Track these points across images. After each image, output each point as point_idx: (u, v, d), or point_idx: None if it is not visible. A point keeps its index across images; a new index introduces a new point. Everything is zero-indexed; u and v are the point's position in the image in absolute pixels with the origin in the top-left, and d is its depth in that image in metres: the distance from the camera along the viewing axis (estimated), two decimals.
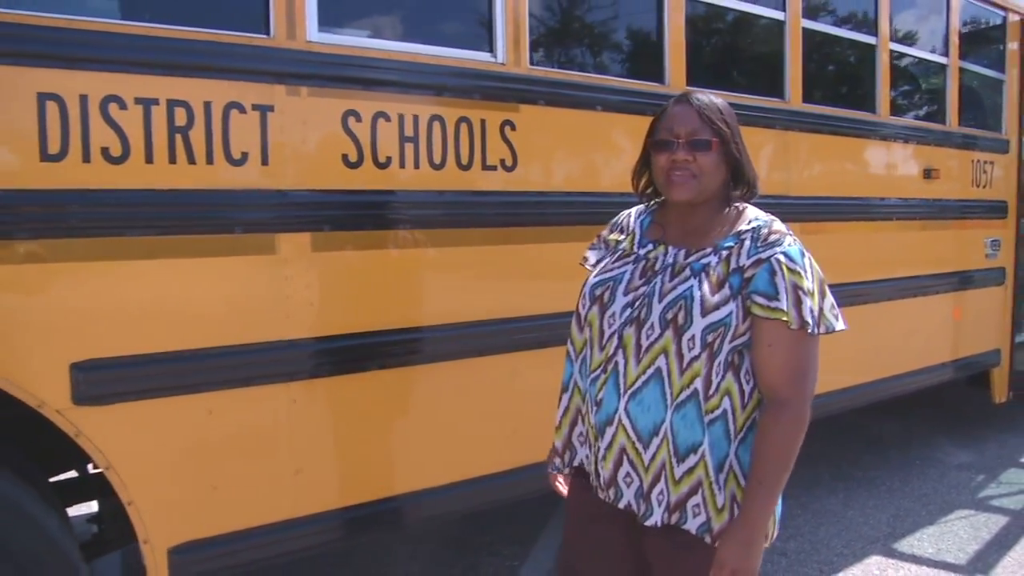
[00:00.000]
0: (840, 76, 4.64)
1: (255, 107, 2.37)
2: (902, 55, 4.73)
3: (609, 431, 1.73)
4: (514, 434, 2.96)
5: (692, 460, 1.68)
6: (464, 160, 2.76)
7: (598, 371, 1.77)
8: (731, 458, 1.70)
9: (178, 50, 2.27)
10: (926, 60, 5.01)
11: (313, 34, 2.48)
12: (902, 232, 4.63)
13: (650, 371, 1.69)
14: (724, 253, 1.71)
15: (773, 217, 1.77)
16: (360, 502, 2.66)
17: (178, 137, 2.25)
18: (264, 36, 2.42)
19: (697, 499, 1.69)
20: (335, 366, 2.56)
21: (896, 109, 4.62)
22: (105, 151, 2.16)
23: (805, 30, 3.98)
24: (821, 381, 1.74)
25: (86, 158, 2.14)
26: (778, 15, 3.90)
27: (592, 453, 1.80)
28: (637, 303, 1.73)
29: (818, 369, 1.70)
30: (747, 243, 1.70)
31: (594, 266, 1.91)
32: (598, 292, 1.81)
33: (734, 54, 4.08)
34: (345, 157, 2.53)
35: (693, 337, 1.65)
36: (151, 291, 2.24)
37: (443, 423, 2.82)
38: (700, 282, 1.68)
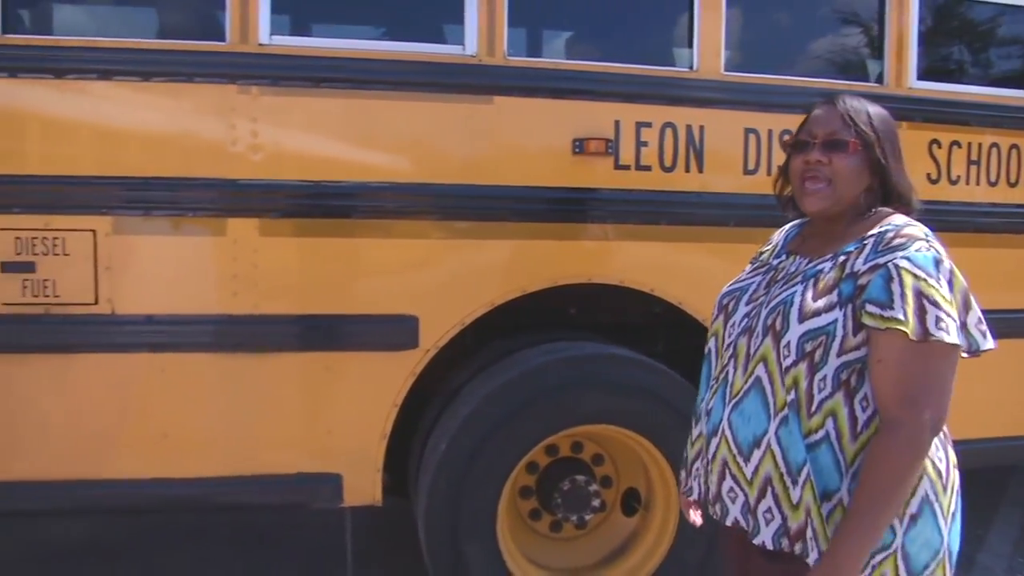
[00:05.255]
0: None
1: None
2: None
3: (714, 442, 1.67)
4: None
5: (803, 481, 1.52)
6: (1013, 179, 3.47)
7: (715, 381, 1.73)
8: (842, 493, 1.52)
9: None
10: None
11: (914, 83, 3.35)
12: None
13: (751, 380, 1.60)
14: (841, 258, 1.57)
15: (912, 222, 1.60)
16: None
17: None
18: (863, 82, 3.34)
19: (811, 531, 1.51)
20: None
21: None
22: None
23: None
24: None
25: (768, 172, 3.19)
26: None
27: (702, 465, 1.74)
28: (752, 312, 1.67)
29: (949, 392, 1.49)
30: (867, 248, 1.55)
31: None
32: (725, 302, 1.76)
33: None
34: (928, 175, 3.37)
35: (788, 344, 1.54)
36: None
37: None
38: (805, 287, 1.57)
